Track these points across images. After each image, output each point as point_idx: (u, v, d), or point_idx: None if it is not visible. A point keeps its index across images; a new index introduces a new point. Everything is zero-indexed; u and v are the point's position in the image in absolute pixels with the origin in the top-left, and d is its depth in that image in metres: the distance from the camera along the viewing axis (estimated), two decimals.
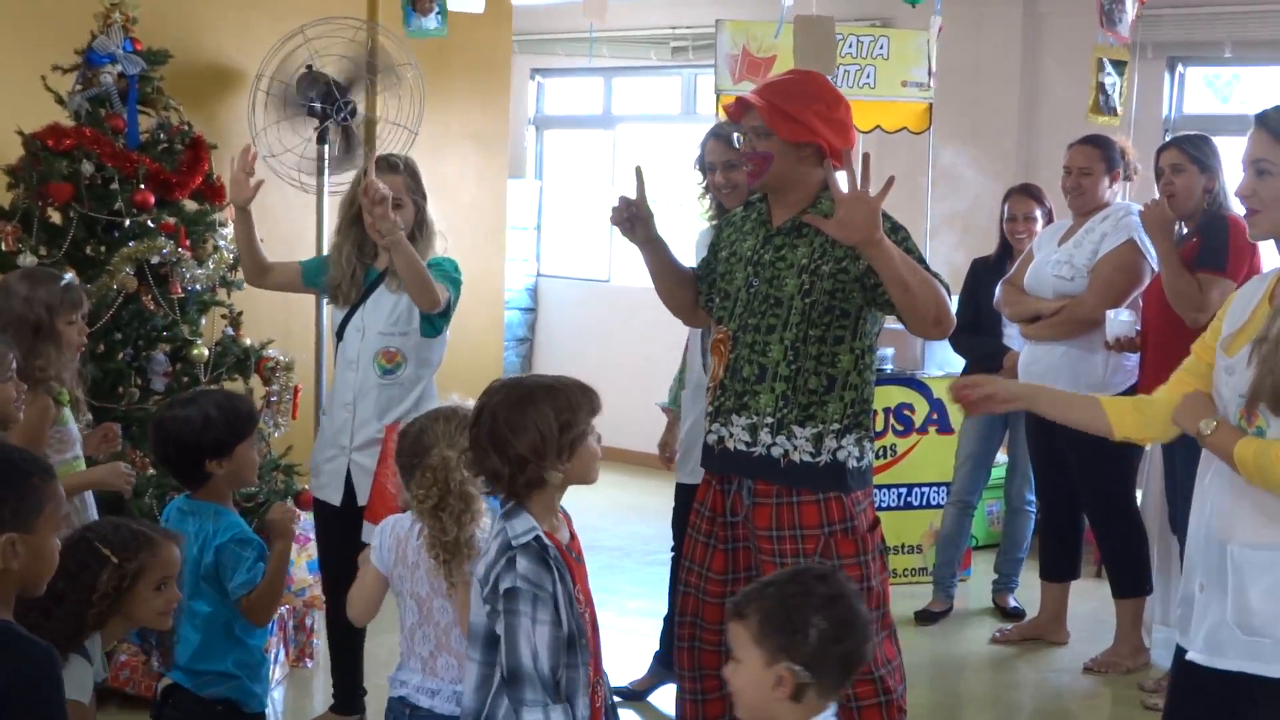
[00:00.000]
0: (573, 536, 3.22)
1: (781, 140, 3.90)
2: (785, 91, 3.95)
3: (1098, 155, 5.96)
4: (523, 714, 2.99)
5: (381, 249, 4.77)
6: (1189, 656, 3.29)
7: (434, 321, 4.82)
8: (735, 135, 4.79)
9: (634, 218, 4.17)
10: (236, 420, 3.78)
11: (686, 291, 4.24)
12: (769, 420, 3.91)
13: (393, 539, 3.63)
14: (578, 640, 3.07)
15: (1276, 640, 3.12)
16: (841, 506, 3.91)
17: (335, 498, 4.92)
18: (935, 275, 3.86)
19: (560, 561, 3.07)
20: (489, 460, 3.10)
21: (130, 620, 3.20)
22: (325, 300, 5.23)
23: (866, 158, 3.74)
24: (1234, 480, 3.20)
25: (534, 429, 3.05)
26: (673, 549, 5.45)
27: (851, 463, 3.94)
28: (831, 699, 2.65)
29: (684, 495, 5.30)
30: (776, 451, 3.91)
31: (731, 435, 3.98)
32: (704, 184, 5.26)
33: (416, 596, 3.59)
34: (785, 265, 3.93)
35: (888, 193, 3.68)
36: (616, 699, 3.36)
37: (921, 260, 3.86)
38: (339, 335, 4.93)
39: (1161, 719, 3.51)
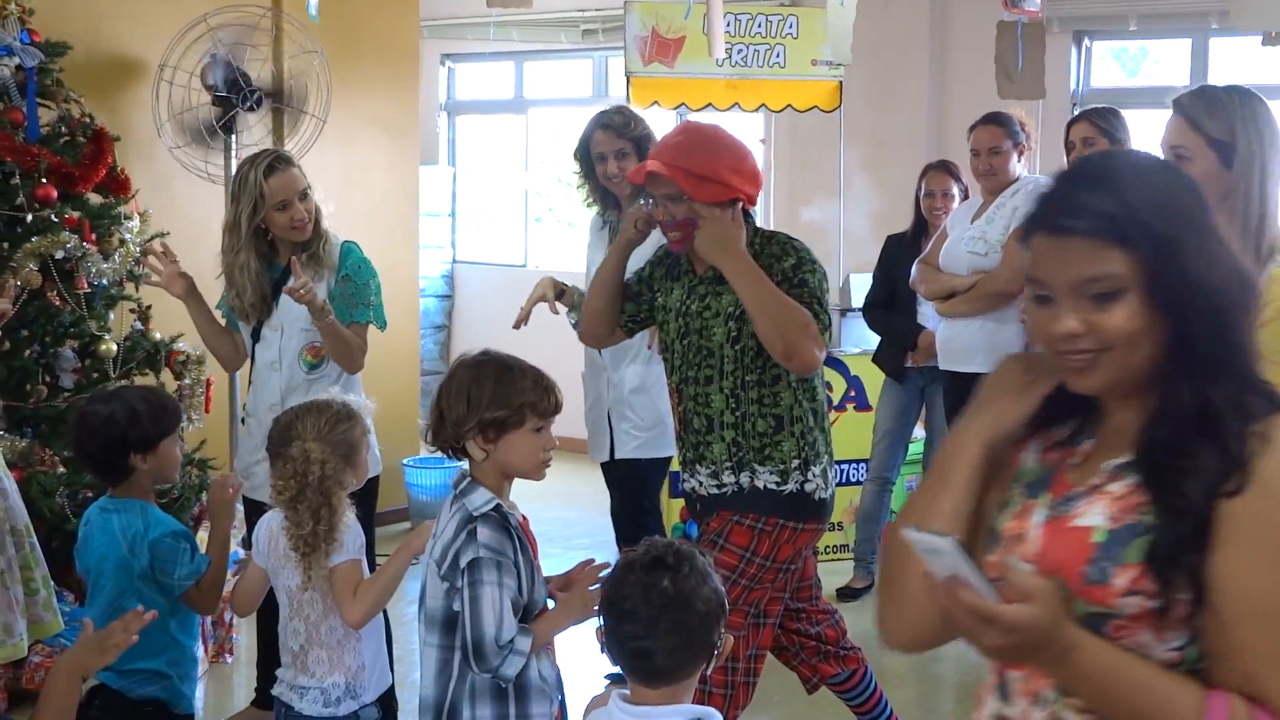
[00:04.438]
0: (524, 519, 3.25)
1: (700, 203, 3.84)
2: (689, 152, 3.85)
3: (1003, 133, 6.01)
4: (503, 673, 3.02)
5: (281, 244, 4.79)
6: None
7: (380, 314, 4.86)
8: (627, 122, 5.07)
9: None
10: (162, 415, 3.78)
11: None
12: (728, 465, 3.94)
13: (267, 531, 3.66)
14: (539, 612, 3.14)
15: None
16: (750, 534, 3.93)
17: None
18: (819, 311, 3.82)
19: (520, 532, 3.11)
20: (433, 410, 3.18)
21: None
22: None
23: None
24: None
25: (465, 397, 3.10)
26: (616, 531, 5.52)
27: (819, 494, 3.98)
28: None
29: (608, 473, 5.47)
30: (744, 481, 3.94)
31: (701, 484, 4.01)
32: (582, 172, 5.29)
33: (288, 590, 3.61)
34: (711, 314, 3.92)
35: (742, 220, 3.78)
36: None
37: (815, 296, 3.83)
38: (255, 337, 4.88)
39: None
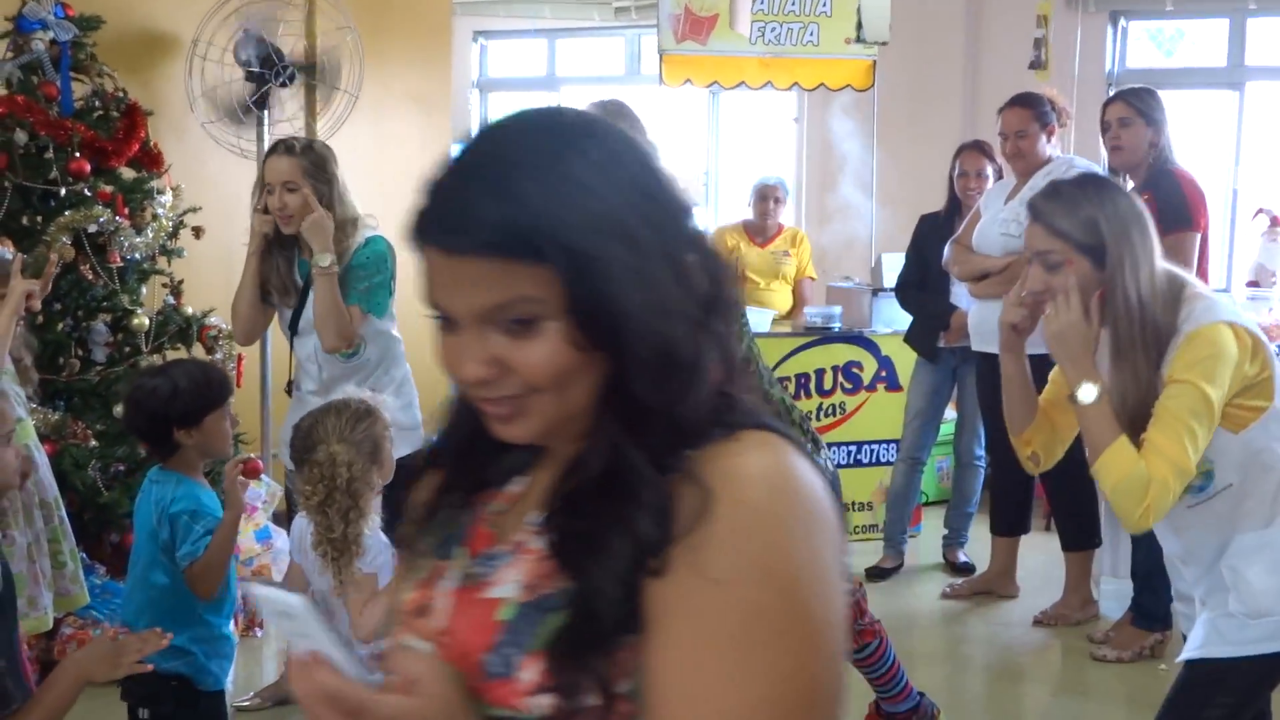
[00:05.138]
0: None
1: None
2: None
3: (1030, 115, 5.94)
4: None
5: (302, 240, 4.73)
6: (1186, 657, 3.25)
7: (376, 303, 4.79)
8: None
9: None
10: (206, 390, 3.76)
11: None
12: None
13: (298, 533, 3.66)
14: None
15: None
16: None
17: None
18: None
19: None
20: None
21: None
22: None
23: None
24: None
25: None
26: None
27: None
28: None
29: None
30: None
31: None
32: None
33: (318, 593, 3.61)
34: None
35: None
36: None
37: None
38: (294, 331, 4.85)
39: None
